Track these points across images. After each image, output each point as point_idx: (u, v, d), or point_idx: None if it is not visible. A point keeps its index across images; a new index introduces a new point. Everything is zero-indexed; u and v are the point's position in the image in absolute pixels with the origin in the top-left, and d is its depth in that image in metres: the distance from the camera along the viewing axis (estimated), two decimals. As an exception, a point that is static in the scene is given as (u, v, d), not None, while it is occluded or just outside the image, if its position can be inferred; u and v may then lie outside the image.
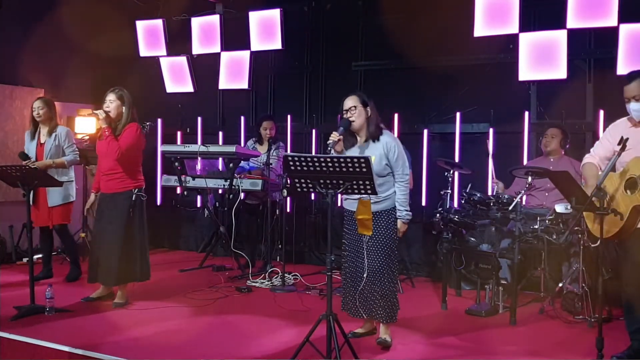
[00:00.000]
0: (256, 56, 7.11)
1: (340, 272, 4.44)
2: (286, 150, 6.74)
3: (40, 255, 6.43)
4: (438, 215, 5.45)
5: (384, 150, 4.11)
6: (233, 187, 6.16)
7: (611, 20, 5.38)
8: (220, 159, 6.91)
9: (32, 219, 5.69)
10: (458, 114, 6.34)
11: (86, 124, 7.51)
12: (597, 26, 5.51)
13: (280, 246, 6.45)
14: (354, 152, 4.16)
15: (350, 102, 4.16)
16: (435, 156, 6.16)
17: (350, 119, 4.11)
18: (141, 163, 5.22)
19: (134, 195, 5.01)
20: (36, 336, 4.25)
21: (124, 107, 5.03)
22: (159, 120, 7.77)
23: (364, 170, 3.52)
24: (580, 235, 4.81)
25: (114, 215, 5.00)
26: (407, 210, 4.17)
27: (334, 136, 4.02)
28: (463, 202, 5.61)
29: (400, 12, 6.51)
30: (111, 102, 5.02)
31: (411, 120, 6.52)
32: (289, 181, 5.67)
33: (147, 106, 7.44)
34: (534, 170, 5.05)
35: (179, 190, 6.87)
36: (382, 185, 4.10)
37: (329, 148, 3.98)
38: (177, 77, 7.52)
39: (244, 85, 7.16)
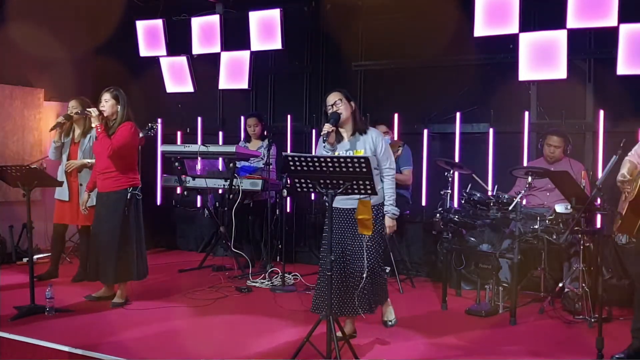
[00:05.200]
0: (256, 56, 7.11)
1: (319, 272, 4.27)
2: (276, 148, 6.73)
3: (40, 256, 6.44)
4: (438, 215, 5.45)
5: (372, 144, 4.17)
6: (233, 187, 6.17)
7: (611, 20, 5.38)
8: (220, 159, 6.92)
9: (64, 216, 5.81)
10: (458, 114, 6.34)
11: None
12: (597, 26, 5.51)
13: (280, 246, 6.45)
14: (344, 145, 4.20)
15: (333, 97, 4.20)
16: (435, 156, 6.17)
17: (338, 111, 4.14)
18: (137, 162, 5.22)
19: (129, 194, 5.00)
20: (36, 336, 4.24)
21: (118, 107, 5.05)
22: (159, 120, 7.76)
23: (364, 170, 3.53)
24: (580, 235, 4.81)
25: (109, 214, 5.00)
26: (393, 206, 4.20)
27: (327, 127, 4.06)
28: (463, 202, 5.61)
29: (400, 12, 6.51)
30: (106, 101, 5.04)
31: (411, 120, 6.52)
32: (289, 181, 5.67)
33: (147, 106, 7.45)
34: (534, 170, 5.06)
35: (179, 190, 6.87)
36: None
37: (322, 139, 4.07)
38: (177, 77, 7.52)
39: (244, 85, 7.16)
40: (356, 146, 4.17)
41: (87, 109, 5.08)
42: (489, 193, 5.81)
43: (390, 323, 4.50)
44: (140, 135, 5.28)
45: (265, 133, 6.87)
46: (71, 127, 5.89)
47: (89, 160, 5.78)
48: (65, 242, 6.21)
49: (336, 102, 4.17)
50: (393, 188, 4.22)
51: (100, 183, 5.08)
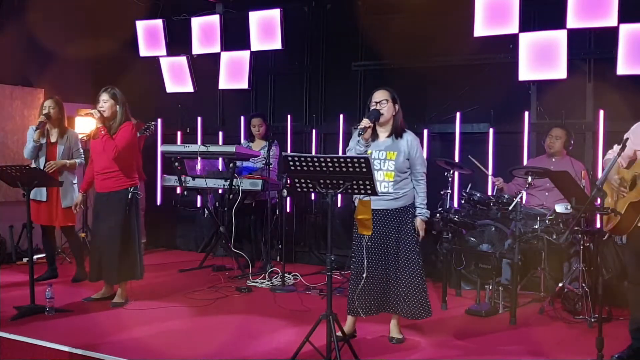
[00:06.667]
0: (256, 56, 7.11)
1: (351, 271, 4.31)
2: (279, 148, 6.74)
3: (40, 256, 6.43)
4: (438, 215, 5.45)
5: (407, 147, 4.18)
6: (233, 187, 6.17)
7: (611, 20, 5.38)
8: (220, 159, 6.91)
9: (39, 217, 5.76)
10: (458, 114, 6.34)
11: (86, 124, 7.51)
12: (597, 26, 5.51)
13: (280, 246, 6.45)
14: (379, 145, 4.19)
15: (381, 95, 4.21)
16: (435, 156, 6.16)
17: (381, 111, 4.15)
18: (135, 161, 5.23)
19: (130, 194, 5.02)
20: (36, 336, 4.24)
21: (117, 106, 5.05)
22: (159, 120, 7.77)
23: (364, 170, 3.52)
24: (580, 235, 4.81)
25: (111, 214, 5.01)
26: (425, 208, 4.26)
27: (365, 122, 4.05)
28: (463, 202, 5.61)
29: (400, 12, 6.51)
30: (105, 101, 5.04)
31: (411, 120, 6.47)
32: (289, 181, 5.67)
33: (147, 106, 7.46)
34: (534, 170, 5.06)
35: (179, 190, 6.87)
36: (401, 181, 4.19)
37: (358, 133, 4.06)
38: (177, 77, 7.51)
39: (244, 85, 7.16)
40: (391, 148, 4.18)
41: (90, 110, 5.09)
42: (489, 190, 5.83)
43: (394, 341, 4.29)
44: (137, 135, 5.29)
45: (267, 133, 6.87)
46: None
47: (68, 161, 5.80)
48: (55, 241, 6.18)
49: (382, 101, 4.18)
50: (425, 192, 4.28)
51: (100, 183, 5.08)
